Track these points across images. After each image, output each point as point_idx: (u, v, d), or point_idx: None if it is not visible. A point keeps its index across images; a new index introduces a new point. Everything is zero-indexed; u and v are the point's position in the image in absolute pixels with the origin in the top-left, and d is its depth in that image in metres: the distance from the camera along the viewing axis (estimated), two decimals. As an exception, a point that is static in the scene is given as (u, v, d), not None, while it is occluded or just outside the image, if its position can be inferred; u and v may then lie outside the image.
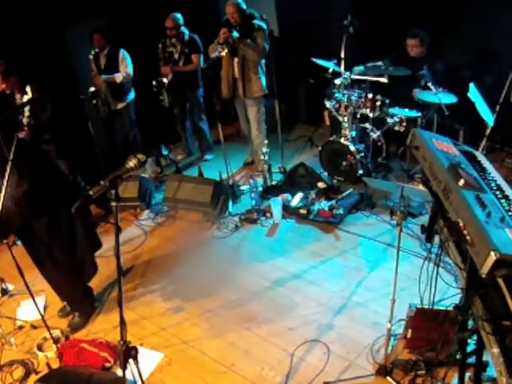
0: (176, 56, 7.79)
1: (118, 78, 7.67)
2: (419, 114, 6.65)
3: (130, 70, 7.74)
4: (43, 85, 5.82)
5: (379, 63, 6.84)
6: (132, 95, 8.05)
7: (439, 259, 2.91)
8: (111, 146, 8.14)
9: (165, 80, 7.70)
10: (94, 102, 7.57)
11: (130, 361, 3.02)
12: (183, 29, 7.68)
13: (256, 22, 6.87)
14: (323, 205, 6.54)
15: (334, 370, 4.31)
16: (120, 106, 7.97)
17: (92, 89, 7.46)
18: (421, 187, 3.46)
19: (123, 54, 7.68)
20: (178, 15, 7.60)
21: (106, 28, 7.73)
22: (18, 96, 5.94)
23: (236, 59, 7.01)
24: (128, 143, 8.25)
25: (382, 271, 5.42)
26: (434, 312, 3.82)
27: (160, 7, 7.76)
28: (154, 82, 7.71)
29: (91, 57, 7.74)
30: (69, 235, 4.92)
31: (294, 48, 8.94)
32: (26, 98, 5.27)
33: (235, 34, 6.63)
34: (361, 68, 6.93)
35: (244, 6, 6.83)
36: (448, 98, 6.21)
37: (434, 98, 6.19)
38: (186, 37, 7.71)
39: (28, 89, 5.52)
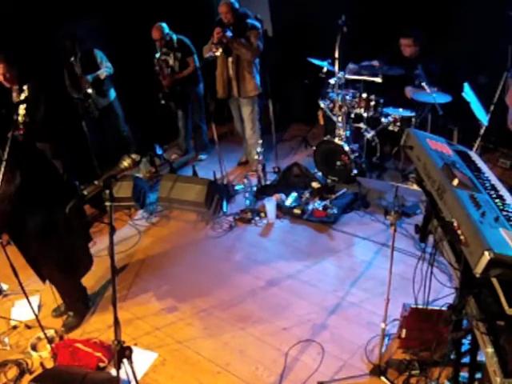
0: (171, 62, 7.82)
1: (102, 74, 7.63)
2: (413, 114, 6.66)
3: (110, 65, 7.73)
4: (39, 84, 5.83)
5: (374, 62, 6.86)
6: (113, 93, 8.01)
7: (433, 259, 2.91)
8: (105, 145, 8.14)
9: (166, 91, 7.82)
10: (87, 104, 7.58)
11: (124, 360, 3.02)
12: (170, 35, 7.70)
13: (249, 21, 6.90)
14: (317, 204, 6.54)
15: (328, 370, 4.31)
16: (106, 103, 7.93)
17: (90, 90, 7.45)
18: (415, 187, 3.47)
19: (100, 54, 7.65)
20: (163, 24, 7.63)
21: (75, 33, 7.67)
22: (14, 94, 5.95)
23: (230, 59, 7.03)
24: (120, 141, 8.25)
25: (376, 271, 5.42)
26: (429, 312, 3.83)
27: (154, 6, 7.78)
28: (160, 96, 7.85)
29: (72, 60, 7.69)
30: (65, 233, 4.91)
31: (289, 48, 8.95)
32: (23, 96, 5.27)
33: (229, 34, 6.64)
34: (355, 66, 6.96)
35: (237, 6, 6.85)
36: (442, 98, 6.22)
37: (428, 97, 6.20)
38: (175, 40, 7.74)
39: (25, 87, 5.53)
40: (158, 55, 7.84)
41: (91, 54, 7.64)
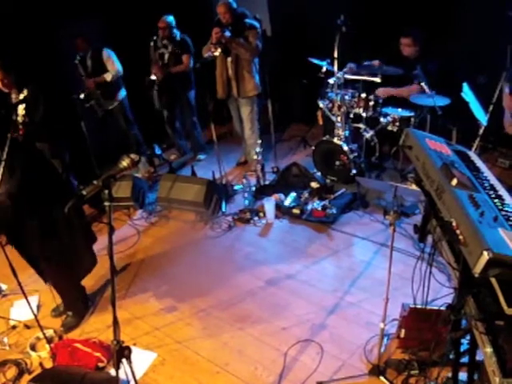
0: (166, 57, 7.82)
1: (108, 76, 7.71)
2: (412, 114, 6.66)
3: (117, 66, 7.77)
4: (38, 85, 5.83)
5: (375, 61, 6.85)
6: (123, 93, 8.06)
7: (432, 259, 2.91)
8: (107, 145, 8.13)
9: (153, 77, 7.72)
10: (88, 105, 7.59)
11: (124, 361, 3.02)
12: (175, 31, 7.72)
13: (248, 20, 6.91)
14: (316, 204, 6.54)
15: (327, 370, 4.30)
16: (113, 105, 7.97)
17: (82, 95, 7.47)
18: (414, 187, 3.46)
19: (107, 52, 7.71)
20: (171, 17, 7.67)
21: (89, 31, 7.72)
22: (13, 95, 5.95)
23: (229, 59, 7.03)
24: (129, 143, 8.27)
25: (375, 271, 5.42)
26: (427, 312, 3.83)
27: (153, 7, 7.79)
28: (146, 80, 7.78)
29: (77, 61, 7.74)
30: (65, 233, 4.90)
31: (288, 47, 8.95)
32: (22, 97, 5.27)
33: (227, 34, 6.65)
34: (354, 65, 6.98)
35: (235, 6, 6.86)
36: (441, 101, 6.21)
37: (427, 101, 6.19)
38: (178, 38, 7.74)
39: (25, 88, 5.54)
40: (156, 41, 7.86)
41: (99, 52, 7.70)
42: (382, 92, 6.96)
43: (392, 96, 6.98)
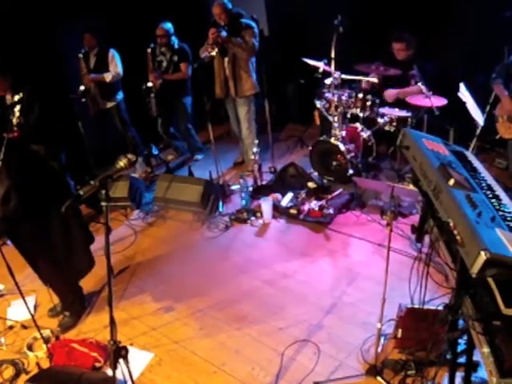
0: (164, 65, 7.84)
1: (107, 77, 7.70)
2: (409, 114, 6.66)
3: (119, 69, 7.77)
4: (33, 85, 5.81)
5: (373, 67, 6.84)
6: (121, 95, 8.07)
7: (429, 259, 2.91)
8: (102, 145, 8.13)
9: (149, 84, 7.70)
10: (84, 100, 7.57)
11: (120, 361, 3.02)
12: (173, 38, 7.74)
13: (244, 20, 6.93)
14: (313, 205, 6.54)
15: (324, 370, 4.30)
16: (109, 105, 8.00)
17: (82, 88, 7.47)
18: (411, 187, 3.47)
19: (113, 52, 7.72)
20: (169, 25, 7.68)
21: (98, 28, 7.74)
22: (8, 96, 5.92)
23: (226, 59, 7.03)
24: (126, 144, 8.27)
25: (373, 271, 5.42)
26: (425, 312, 3.83)
27: (153, 7, 7.79)
28: (143, 87, 7.76)
29: (81, 56, 7.75)
30: (62, 234, 4.89)
31: (285, 48, 8.95)
32: (17, 98, 5.25)
33: (224, 34, 6.65)
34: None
35: (230, 6, 6.87)
36: (438, 102, 6.21)
37: (424, 101, 6.20)
38: (176, 46, 7.76)
39: (20, 92, 5.52)
40: (155, 48, 7.85)
41: (106, 51, 7.72)
42: (389, 96, 6.97)
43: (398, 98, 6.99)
